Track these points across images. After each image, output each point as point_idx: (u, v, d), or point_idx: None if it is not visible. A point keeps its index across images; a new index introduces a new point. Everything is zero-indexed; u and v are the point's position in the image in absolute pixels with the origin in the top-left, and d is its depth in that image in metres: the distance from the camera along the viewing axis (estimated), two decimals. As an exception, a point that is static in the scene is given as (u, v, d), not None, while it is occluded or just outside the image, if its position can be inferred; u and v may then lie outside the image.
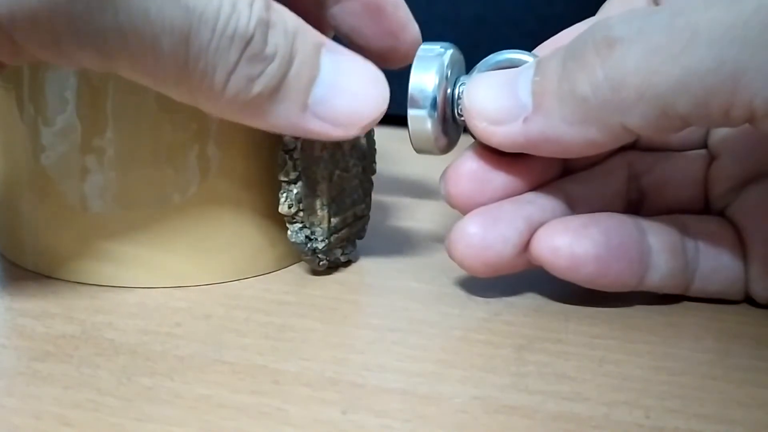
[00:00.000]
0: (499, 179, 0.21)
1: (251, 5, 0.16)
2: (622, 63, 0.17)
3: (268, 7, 0.17)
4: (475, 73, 0.21)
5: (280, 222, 0.22)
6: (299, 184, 0.21)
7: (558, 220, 0.20)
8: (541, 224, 0.20)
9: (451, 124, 0.21)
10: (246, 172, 0.21)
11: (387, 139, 0.27)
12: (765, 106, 0.16)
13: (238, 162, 0.21)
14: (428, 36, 0.23)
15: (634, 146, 0.23)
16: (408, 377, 0.17)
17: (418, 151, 0.21)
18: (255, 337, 0.19)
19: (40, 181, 0.21)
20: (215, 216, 0.21)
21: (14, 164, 0.21)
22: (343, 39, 0.22)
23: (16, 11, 0.15)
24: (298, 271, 0.23)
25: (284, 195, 0.21)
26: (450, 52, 0.21)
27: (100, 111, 0.20)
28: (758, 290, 0.21)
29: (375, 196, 0.25)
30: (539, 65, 0.19)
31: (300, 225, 0.21)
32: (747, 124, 0.17)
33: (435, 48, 0.21)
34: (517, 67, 0.20)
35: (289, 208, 0.21)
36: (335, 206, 0.22)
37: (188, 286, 0.21)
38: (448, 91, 0.21)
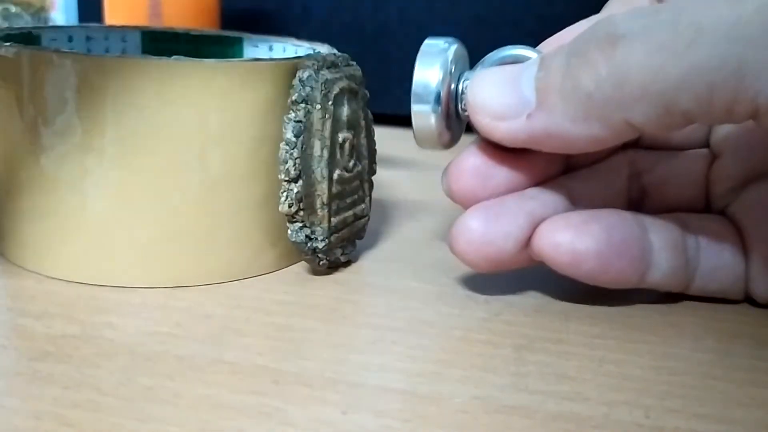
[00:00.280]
0: (501, 175, 0.21)
1: None
2: (626, 60, 0.17)
3: None
4: (478, 68, 0.21)
5: (280, 222, 0.22)
6: (299, 183, 0.21)
7: (559, 216, 0.20)
8: (542, 220, 0.20)
9: (455, 119, 0.21)
10: (246, 172, 0.21)
11: (387, 139, 0.27)
12: None
13: (238, 162, 0.21)
14: (428, 36, 0.23)
15: (636, 145, 0.23)
16: (408, 377, 0.17)
17: (421, 146, 0.21)
18: (255, 337, 0.19)
19: (40, 181, 0.21)
20: (215, 216, 0.21)
21: (14, 164, 0.21)
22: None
23: None
24: (298, 271, 0.23)
25: (284, 194, 0.21)
26: (454, 47, 0.21)
27: (100, 111, 0.20)
28: (759, 289, 0.21)
29: (375, 196, 0.25)
30: (543, 61, 0.19)
31: (300, 224, 0.21)
32: (750, 123, 0.17)
33: (439, 43, 0.21)
34: (520, 63, 0.20)
35: (290, 207, 0.21)
36: (335, 206, 0.22)
37: (188, 286, 0.21)
38: (452, 86, 0.21)
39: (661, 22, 0.17)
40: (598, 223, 0.20)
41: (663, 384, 0.17)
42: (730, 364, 0.18)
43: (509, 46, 0.21)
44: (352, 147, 0.23)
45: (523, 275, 0.23)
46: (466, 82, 0.20)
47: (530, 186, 0.21)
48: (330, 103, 0.21)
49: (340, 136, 0.22)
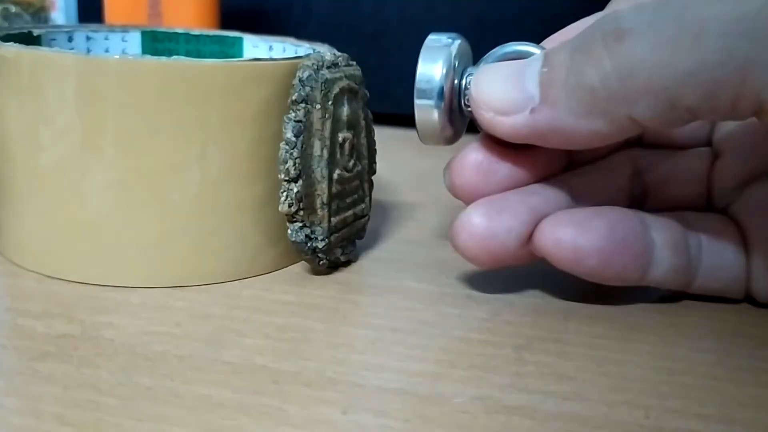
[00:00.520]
0: (503, 171, 0.21)
1: None
2: (631, 55, 0.17)
3: None
4: (482, 64, 0.21)
5: (280, 222, 0.22)
6: (299, 183, 0.21)
7: (562, 212, 0.20)
8: (544, 216, 0.20)
9: (458, 114, 0.21)
10: (246, 172, 0.21)
11: (387, 139, 0.27)
12: None
13: (238, 162, 0.21)
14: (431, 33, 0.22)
15: (639, 143, 0.23)
16: (408, 377, 0.17)
17: (424, 141, 0.21)
18: (255, 337, 0.19)
19: (40, 181, 0.21)
20: (215, 216, 0.21)
21: (14, 164, 0.21)
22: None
23: None
24: (298, 271, 0.23)
25: (284, 194, 0.21)
26: (458, 42, 0.21)
27: (100, 111, 0.20)
28: (760, 289, 0.21)
29: (375, 196, 0.25)
30: (547, 56, 0.19)
31: (300, 224, 0.21)
32: (753, 121, 0.17)
33: (442, 38, 0.21)
34: (524, 58, 0.20)
35: (290, 207, 0.21)
36: (335, 206, 0.22)
37: (188, 286, 0.21)
38: (455, 81, 0.20)
39: (666, 18, 0.17)
40: (600, 220, 0.20)
41: (663, 384, 0.17)
42: (729, 364, 0.18)
43: (513, 42, 0.21)
44: (352, 147, 0.23)
45: (524, 275, 0.23)
46: (470, 77, 0.20)
47: (532, 182, 0.21)
48: (330, 102, 0.21)
49: (340, 136, 0.22)
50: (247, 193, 0.21)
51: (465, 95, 0.20)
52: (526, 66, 0.19)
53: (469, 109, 0.20)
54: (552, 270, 0.20)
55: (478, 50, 0.22)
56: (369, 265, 0.24)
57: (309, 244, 0.21)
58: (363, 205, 0.24)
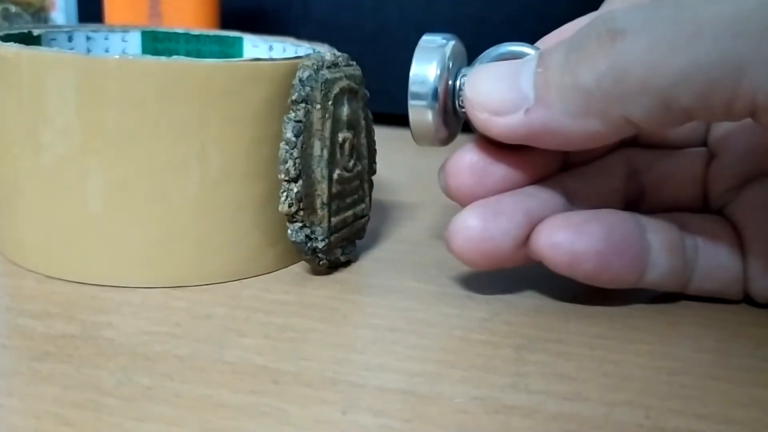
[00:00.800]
0: (499, 172, 0.21)
1: None
2: (626, 55, 0.17)
3: None
4: (476, 64, 0.21)
5: (280, 222, 0.22)
6: (299, 183, 0.21)
7: (558, 216, 0.20)
8: (540, 218, 0.20)
9: (452, 115, 0.21)
10: (246, 172, 0.21)
11: (387, 139, 0.27)
12: (767, 100, 0.16)
13: (238, 162, 0.21)
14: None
15: (634, 143, 0.23)
16: (408, 377, 0.17)
17: (418, 142, 0.21)
18: (255, 337, 0.19)
19: (40, 181, 0.21)
20: (215, 216, 0.21)
21: (14, 164, 0.21)
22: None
23: None
24: (298, 271, 0.23)
25: (284, 194, 0.21)
26: (452, 43, 0.21)
27: (100, 111, 0.20)
28: (757, 289, 0.21)
29: (375, 196, 0.25)
30: (542, 57, 0.19)
31: (300, 224, 0.21)
32: (748, 121, 0.17)
33: (437, 39, 0.21)
34: (519, 59, 0.20)
35: (290, 207, 0.21)
36: (335, 206, 0.22)
37: (188, 286, 0.21)
38: (450, 82, 0.20)
39: (661, 18, 0.17)
40: (597, 224, 0.20)
41: (663, 384, 0.17)
42: (730, 364, 0.18)
43: (507, 43, 0.21)
44: (352, 147, 0.23)
45: (523, 275, 0.23)
46: (464, 78, 0.20)
47: (528, 184, 0.21)
48: (330, 102, 0.21)
49: (340, 136, 0.22)
50: (247, 193, 0.21)
51: (459, 96, 0.20)
52: (520, 66, 0.19)
53: (464, 110, 0.20)
54: (551, 270, 0.20)
55: (478, 50, 0.22)
56: (369, 265, 0.24)
57: (309, 244, 0.21)
58: (363, 205, 0.24)
